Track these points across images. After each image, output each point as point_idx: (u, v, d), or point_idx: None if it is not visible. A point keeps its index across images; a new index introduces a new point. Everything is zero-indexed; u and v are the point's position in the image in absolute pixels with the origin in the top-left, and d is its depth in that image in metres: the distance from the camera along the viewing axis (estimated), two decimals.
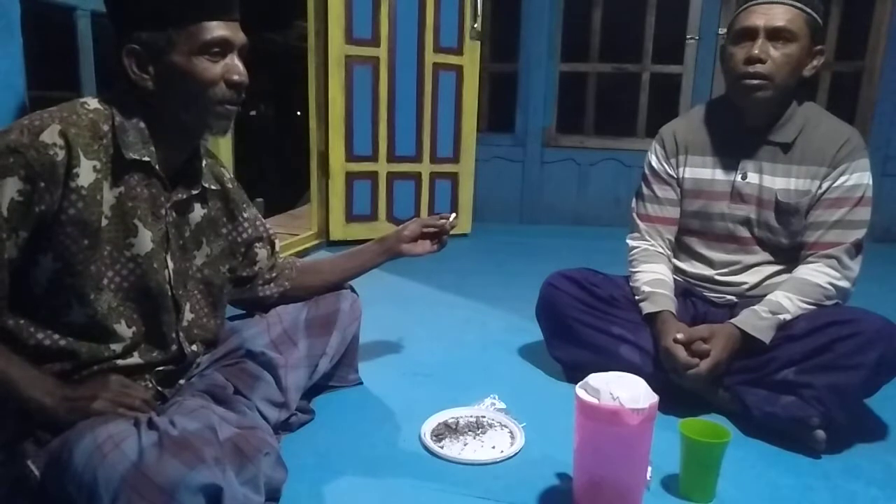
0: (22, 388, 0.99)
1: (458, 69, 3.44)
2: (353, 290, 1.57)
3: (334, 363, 1.54)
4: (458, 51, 3.41)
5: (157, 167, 1.10)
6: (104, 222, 1.05)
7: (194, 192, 1.19)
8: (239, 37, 1.10)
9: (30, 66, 1.51)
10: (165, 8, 1.04)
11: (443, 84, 3.42)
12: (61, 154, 0.99)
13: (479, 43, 3.47)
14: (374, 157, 3.34)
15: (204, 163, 1.22)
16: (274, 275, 1.43)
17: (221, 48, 1.07)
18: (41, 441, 1.01)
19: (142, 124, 1.09)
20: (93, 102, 1.08)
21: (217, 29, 1.06)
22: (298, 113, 5.12)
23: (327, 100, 3.16)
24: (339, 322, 1.48)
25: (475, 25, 3.39)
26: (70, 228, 1.02)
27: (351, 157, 3.28)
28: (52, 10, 1.79)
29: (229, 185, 1.31)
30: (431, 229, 1.55)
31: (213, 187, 1.24)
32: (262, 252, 1.39)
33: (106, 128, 1.06)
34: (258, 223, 1.38)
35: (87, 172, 1.02)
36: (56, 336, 1.06)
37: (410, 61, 3.31)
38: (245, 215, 1.35)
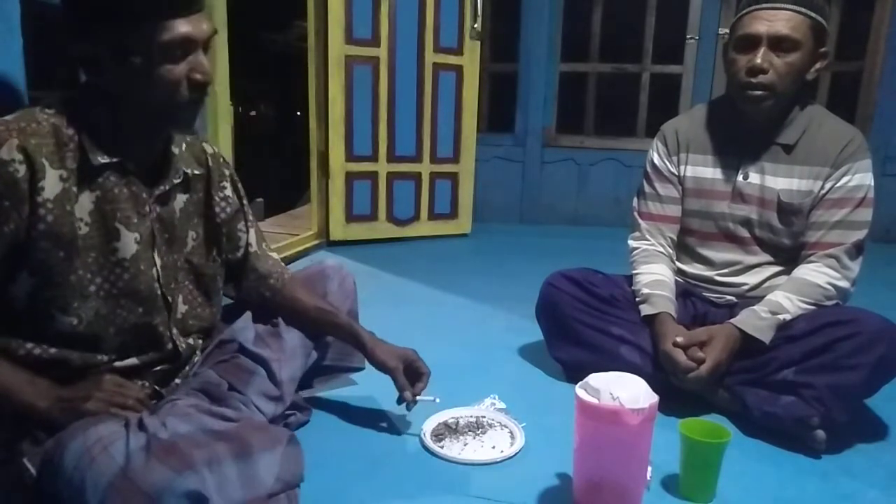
0: (15, 394, 0.99)
1: (458, 69, 3.44)
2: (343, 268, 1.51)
3: (334, 346, 1.50)
4: (458, 51, 3.42)
5: (131, 165, 1.05)
6: (84, 230, 1.01)
7: (176, 181, 1.13)
8: (202, 30, 1.00)
9: (30, 66, 1.50)
10: (119, 6, 0.95)
11: (443, 84, 3.42)
12: (22, 170, 0.94)
13: (479, 43, 3.47)
14: (374, 157, 3.34)
15: (183, 146, 1.17)
16: (252, 281, 1.35)
17: (183, 48, 0.99)
18: (38, 440, 1.01)
19: (108, 123, 1.02)
20: (54, 105, 1.01)
21: (178, 26, 0.97)
22: (298, 113, 5.12)
23: (327, 100, 3.16)
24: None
25: (475, 25, 3.39)
26: (43, 243, 0.98)
27: (351, 157, 3.28)
28: (52, 10, 1.79)
29: (210, 164, 1.23)
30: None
31: (195, 172, 1.18)
32: (243, 236, 1.32)
33: (71, 132, 1.00)
34: (237, 199, 1.29)
35: (53, 183, 0.97)
36: (45, 346, 1.04)
37: (410, 61, 3.31)
38: (222, 194, 1.25)
